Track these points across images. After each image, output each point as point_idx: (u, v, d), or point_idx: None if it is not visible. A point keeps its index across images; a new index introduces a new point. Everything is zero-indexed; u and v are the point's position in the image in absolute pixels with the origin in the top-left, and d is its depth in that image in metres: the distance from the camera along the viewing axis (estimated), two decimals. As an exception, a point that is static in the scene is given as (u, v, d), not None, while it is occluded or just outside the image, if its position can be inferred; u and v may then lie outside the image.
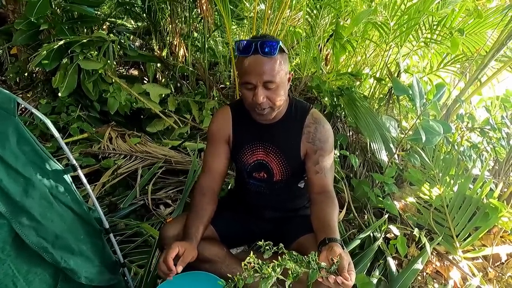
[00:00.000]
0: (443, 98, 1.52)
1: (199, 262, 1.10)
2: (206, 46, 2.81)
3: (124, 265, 1.02)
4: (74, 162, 0.86)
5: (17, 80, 2.80)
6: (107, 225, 0.95)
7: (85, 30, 2.52)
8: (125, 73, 3.23)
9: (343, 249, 0.86)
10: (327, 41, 2.72)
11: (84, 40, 2.14)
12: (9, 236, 0.77)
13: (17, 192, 0.78)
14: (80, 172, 0.87)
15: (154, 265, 1.17)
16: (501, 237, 1.62)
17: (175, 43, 3.03)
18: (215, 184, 1.12)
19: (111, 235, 0.97)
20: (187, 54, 2.95)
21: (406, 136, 1.49)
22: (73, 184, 0.92)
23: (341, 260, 0.78)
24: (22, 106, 2.38)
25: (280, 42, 0.97)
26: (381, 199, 1.61)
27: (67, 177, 0.90)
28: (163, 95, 2.52)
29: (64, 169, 0.88)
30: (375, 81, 2.43)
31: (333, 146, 1.14)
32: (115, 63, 2.56)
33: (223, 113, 1.18)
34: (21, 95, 2.56)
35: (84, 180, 0.87)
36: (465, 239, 1.51)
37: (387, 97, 2.08)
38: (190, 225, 1.02)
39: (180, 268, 0.88)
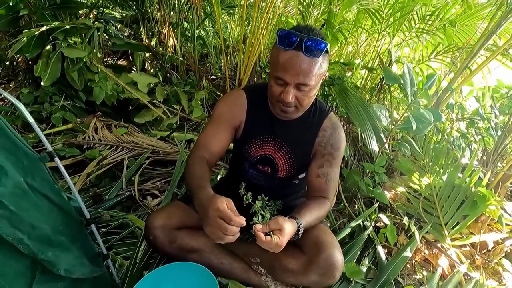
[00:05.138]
0: (433, 87, 1.51)
1: (187, 252, 1.07)
2: (196, 35, 2.74)
3: (107, 257, 0.98)
4: (51, 149, 0.82)
5: (-1, 71, 2.69)
6: (88, 215, 0.91)
7: (68, 16, 2.42)
8: (113, 63, 3.14)
9: (298, 231, 0.88)
10: (319, 30, 2.69)
11: (67, 27, 2.05)
12: (-20, 226, 0.73)
13: (-12, 181, 0.73)
14: (57, 160, 0.83)
15: (140, 257, 1.14)
16: (488, 225, 1.64)
17: (164, 32, 2.95)
18: (209, 160, 1.02)
19: (93, 226, 0.93)
20: (176, 44, 2.87)
21: (397, 125, 1.48)
22: (51, 173, 0.87)
23: (279, 227, 0.82)
24: (3, 96, 2.27)
25: (327, 42, 0.87)
26: (371, 188, 1.61)
27: (44, 166, 0.85)
28: (151, 85, 2.45)
29: (40, 157, 0.83)
30: (367, 72, 2.41)
31: (342, 157, 1.09)
32: (101, 52, 2.48)
33: (238, 97, 1.08)
34: (2, 86, 2.45)
35: (62, 167, 0.83)
36: (453, 227, 1.53)
37: (378, 87, 2.07)
38: (196, 181, 0.87)
39: (244, 219, 0.76)
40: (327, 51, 0.89)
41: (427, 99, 1.36)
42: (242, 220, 0.75)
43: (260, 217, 0.86)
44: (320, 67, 0.89)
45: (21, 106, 0.79)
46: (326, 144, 1.06)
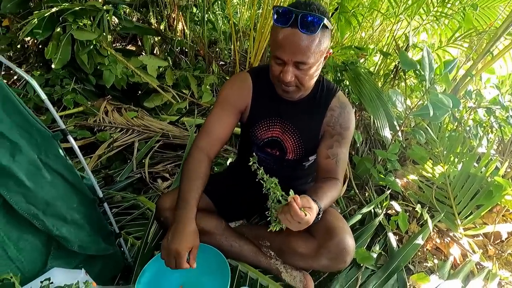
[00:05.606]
0: (453, 72, 1.45)
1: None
2: (206, 19, 2.69)
3: (119, 236, 1.00)
4: (63, 126, 0.82)
5: (10, 55, 2.70)
6: (100, 194, 0.92)
7: (77, -1, 2.40)
8: (122, 48, 3.12)
9: (319, 214, 0.86)
10: (331, 15, 2.60)
11: (77, 8, 2.03)
12: (-4, 201, 0.74)
13: (3, 157, 0.73)
14: (70, 138, 0.83)
15: (151, 237, 1.15)
16: (502, 215, 1.61)
17: (173, 16, 2.90)
18: (213, 148, 1.03)
19: (106, 204, 0.94)
20: (185, 28, 2.83)
21: (411, 111, 1.44)
22: (64, 151, 0.87)
23: (309, 205, 0.80)
24: (15, 78, 2.27)
25: (325, 16, 0.83)
26: (383, 176, 1.58)
27: (57, 143, 0.85)
28: (161, 70, 2.43)
29: (53, 134, 0.83)
30: (380, 59, 2.33)
31: (351, 137, 1.06)
32: (111, 35, 2.46)
33: (243, 79, 1.06)
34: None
35: (74, 144, 0.83)
36: (466, 217, 1.50)
37: (393, 73, 2.01)
38: (188, 188, 0.93)
39: (194, 265, 0.88)
40: (326, 27, 0.85)
41: (447, 84, 1.31)
42: (186, 267, 0.86)
43: (277, 196, 0.82)
44: (319, 44, 0.85)
45: (34, 83, 0.78)
46: (335, 124, 1.03)
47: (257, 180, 0.85)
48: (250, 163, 0.87)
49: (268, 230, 0.85)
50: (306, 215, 0.77)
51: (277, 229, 0.84)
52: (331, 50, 0.93)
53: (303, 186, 1.24)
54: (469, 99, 1.74)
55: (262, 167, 0.85)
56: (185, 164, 0.99)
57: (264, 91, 1.04)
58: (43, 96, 0.79)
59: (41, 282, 0.72)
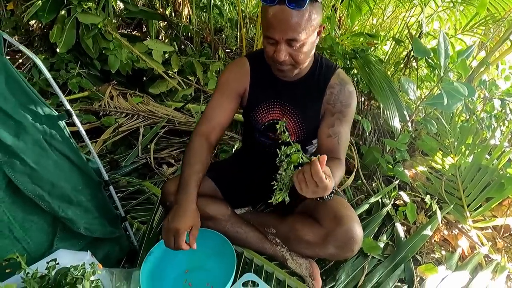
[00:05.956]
0: (469, 59, 1.39)
1: (203, 219, 1.06)
2: (212, 4, 2.63)
3: (125, 219, 0.99)
4: (68, 107, 0.80)
5: (15, 39, 2.68)
6: (106, 177, 0.91)
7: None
8: (127, 33, 3.08)
9: (332, 192, 0.84)
10: (341, 1, 2.52)
11: (81, -10, 1.99)
12: (2, 181, 0.73)
13: (7, 136, 0.72)
14: (75, 118, 0.81)
15: (157, 222, 1.15)
16: (512, 209, 1.57)
17: (179, 1, 2.84)
18: (213, 133, 1.03)
19: (111, 187, 0.92)
20: (191, 13, 2.77)
21: (423, 101, 1.39)
22: (69, 132, 0.86)
23: (329, 173, 0.76)
24: (20, 62, 2.25)
25: None
26: (391, 166, 1.55)
27: (62, 125, 0.84)
28: (166, 55, 2.40)
29: (58, 115, 0.81)
30: (391, 47, 2.27)
31: (353, 114, 1.03)
32: (116, 21, 2.41)
33: (240, 64, 1.06)
34: (19, 54, 2.45)
35: (79, 125, 0.81)
36: (475, 209, 1.47)
37: (404, 61, 1.95)
38: (188, 173, 0.94)
39: (194, 245, 0.88)
40: (315, 0, 0.82)
41: (464, 70, 1.25)
42: (185, 248, 0.86)
43: (299, 158, 0.78)
44: (310, 19, 0.82)
45: (38, 61, 0.76)
46: (335, 102, 1.00)
47: (280, 142, 0.84)
48: (278, 126, 0.84)
49: (269, 201, 0.83)
50: (326, 178, 0.74)
51: (279, 200, 0.82)
52: (324, 25, 0.92)
53: None
54: (483, 89, 1.68)
55: (285, 133, 0.83)
56: (186, 150, 1.00)
57: (262, 74, 1.03)
58: (48, 75, 0.77)
59: (47, 262, 0.71)
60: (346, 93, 1.00)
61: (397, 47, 2.22)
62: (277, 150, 0.83)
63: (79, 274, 0.70)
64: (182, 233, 0.85)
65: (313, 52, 0.94)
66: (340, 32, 2.57)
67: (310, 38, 0.86)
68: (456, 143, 1.59)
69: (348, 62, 1.97)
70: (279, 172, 0.82)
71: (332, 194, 0.86)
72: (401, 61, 2.03)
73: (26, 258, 0.70)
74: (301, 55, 0.87)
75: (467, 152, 1.57)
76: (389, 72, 2.16)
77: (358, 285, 1.05)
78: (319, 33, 0.89)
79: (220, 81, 1.07)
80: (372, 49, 2.27)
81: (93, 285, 0.70)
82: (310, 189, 0.74)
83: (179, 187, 0.93)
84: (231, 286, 0.90)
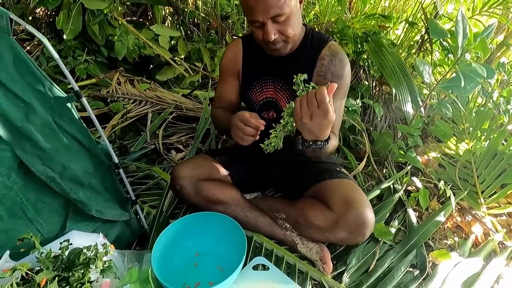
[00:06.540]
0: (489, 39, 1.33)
1: (212, 203, 1.07)
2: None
3: (136, 203, 0.99)
4: (77, 88, 0.79)
5: (22, 28, 2.68)
6: (116, 160, 0.90)
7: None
8: (133, 20, 3.05)
9: (327, 139, 0.83)
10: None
11: (86, -25, 1.96)
12: (13, 162, 0.72)
13: (17, 117, 0.71)
14: (84, 100, 0.80)
15: (167, 206, 1.15)
16: (529, 196, 1.53)
17: (184, -14, 2.78)
18: (229, 111, 1.08)
19: (121, 171, 0.92)
20: (197, -1, 2.72)
21: (438, 83, 1.34)
22: (78, 114, 0.85)
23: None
24: (27, 50, 2.24)
25: None
26: (403, 152, 1.52)
27: (71, 106, 0.83)
28: (173, 42, 2.36)
29: (67, 96, 0.81)
30: (404, 31, 2.18)
31: (347, 85, 1.00)
32: (121, 8, 2.38)
33: (234, 45, 1.09)
34: (26, 42, 2.45)
35: (88, 107, 0.80)
36: (490, 196, 1.43)
37: (418, 44, 1.88)
38: (225, 119, 0.99)
39: (263, 123, 0.84)
40: None
41: (484, 50, 1.20)
42: (258, 123, 0.82)
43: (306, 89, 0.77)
44: None
45: (46, 41, 0.74)
46: (326, 73, 0.97)
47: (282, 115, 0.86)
48: (295, 79, 0.82)
49: (261, 146, 0.86)
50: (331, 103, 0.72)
51: (271, 145, 0.85)
52: None
53: (303, 157, 1.19)
54: (502, 72, 1.61)
55: (305, 75, 0.82)
56: (212, 119, 1.14)
57: (254, 53, 1.04)
58: (55, 55, 0.76)
59: (61, 243, 0.72)
60: (337, 64, 0.97)
61: (410, 30, 2.14)
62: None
63: (92, 254, 0.70)
64: (244, 113, 0.84)
65: (300, 22, 0.92)
66: (351, 15, 2.48)
67: (294, 9, 0.85)
68: (471, 128, 1.54)
69: (359, 46, 1.91)
70: (280, 122, 0.83)
71: (325, 145, 0.83)
72: (415, 44, 1.96)
73: (40, 239, 0.71)
74: (290, 29, 0.87)
75: (482, 137, 1.52)
76: (401, 56, 2.09)
77: (369, 269, 1.04)
78: (301, 2, 0.88)
79: (220, 64, 1.12)
80: (384, 32, 2.20)
81: (106, 265, 0.71)
82: (314, 120, 0.73)
83: (225, 127, 0.96)
84: (241, 269, 0.90)
